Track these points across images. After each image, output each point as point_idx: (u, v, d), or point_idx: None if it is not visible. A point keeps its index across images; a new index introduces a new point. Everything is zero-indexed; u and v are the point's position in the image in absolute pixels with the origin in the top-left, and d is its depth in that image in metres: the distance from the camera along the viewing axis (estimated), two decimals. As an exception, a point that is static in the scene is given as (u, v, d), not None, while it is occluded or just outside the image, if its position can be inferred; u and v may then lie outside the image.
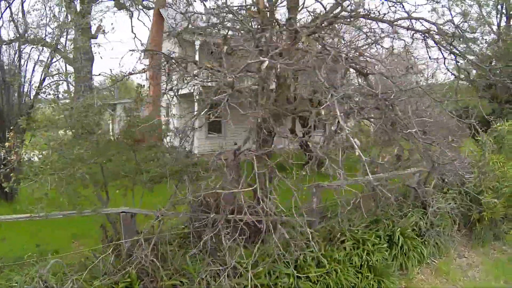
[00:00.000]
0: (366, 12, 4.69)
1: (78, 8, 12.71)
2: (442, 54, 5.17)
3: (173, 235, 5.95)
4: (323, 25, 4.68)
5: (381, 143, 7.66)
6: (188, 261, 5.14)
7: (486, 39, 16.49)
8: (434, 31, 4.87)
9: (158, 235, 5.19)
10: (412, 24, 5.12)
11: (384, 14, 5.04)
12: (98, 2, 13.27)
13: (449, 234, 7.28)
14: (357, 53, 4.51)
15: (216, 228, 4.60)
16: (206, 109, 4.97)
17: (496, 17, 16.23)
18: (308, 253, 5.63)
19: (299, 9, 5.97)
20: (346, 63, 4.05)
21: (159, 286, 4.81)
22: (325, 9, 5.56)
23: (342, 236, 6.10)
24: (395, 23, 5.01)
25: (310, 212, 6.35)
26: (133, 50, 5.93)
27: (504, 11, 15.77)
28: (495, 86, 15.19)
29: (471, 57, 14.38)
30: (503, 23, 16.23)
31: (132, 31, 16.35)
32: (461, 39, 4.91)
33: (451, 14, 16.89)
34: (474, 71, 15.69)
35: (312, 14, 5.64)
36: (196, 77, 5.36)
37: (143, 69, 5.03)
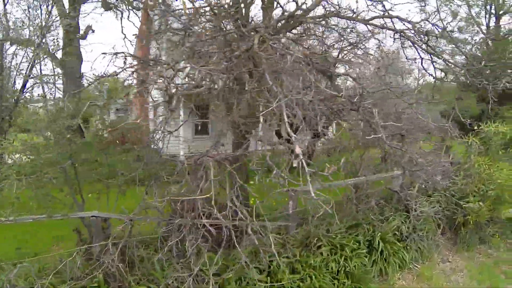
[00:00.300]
0: (337, 11, 4.54)
1: (67, 7, 12.59)
2: (419, 53, 5.02)
3: (152, 239, 5.83)
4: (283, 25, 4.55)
5: (363, 146, 7.52)
6: (156, 266, 5.02)
7: (476, 40, 16.37)
8: (409, 29, 4.72)
9: (126, 239, 5.10)
10: (386, 23, 4.97)
11: (359, 13, 4.91)
12: (87, 1, 13.17)
13: (432, 238, 7.11)
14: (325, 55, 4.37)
15: (182, 233, 4.47)
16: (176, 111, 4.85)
17: (485, 17, 16.09)
18: (283, 259, 5.50)
19: (274, 9, 5.83)
20: (307, 66, 3.91)
21: None
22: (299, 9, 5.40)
23: (319, 241, 5.94)
24: (370, 22, 4.86)
25: (288, 216, 6.23)
26: (105, 53, 5.79)
27: (493, 11, 15.61)
28: (484, 87, 15.03)
29: (459, 57, 14.33)
30: (492, 24, 16.08)
31: (122, 32, 16.16)
32: (437, 38, 4.75)
33: (439, 14, 16.67)
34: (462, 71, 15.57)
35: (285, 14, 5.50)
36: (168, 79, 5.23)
37: (115, 71, 4.87)
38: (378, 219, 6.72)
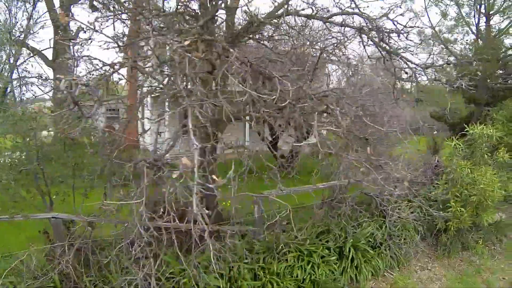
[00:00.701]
0: (295, 11, 4.38)
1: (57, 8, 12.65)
2: (381, 52, 4.80)
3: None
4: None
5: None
6: (112, 268, 4.94)
7: (467, 40, 15.96)
8: (366, 26, 4.52)
9: (82, 241, 5.04)
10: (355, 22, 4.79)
11: (317, 11, 4.73)
12: (77, 3, 13.20)
13: (410, 244, 6.85)
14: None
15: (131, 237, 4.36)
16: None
17: (474, 17, 15.62)
18: (245, 265, 5.35)
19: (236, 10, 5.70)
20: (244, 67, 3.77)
21: None
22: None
23: (286, 247, 5.77)
24: (329, 20, 4.67)
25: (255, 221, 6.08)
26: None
27: (483, 11, 15.14)
28: (476, 87, 14.64)
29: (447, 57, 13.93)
30: (482, 24, 15.64)
31: (114, 30, 16.06)
32: (399, 36, 4.52)
33: (427, 14, 16.31)
34: (454, 73, 15.24)
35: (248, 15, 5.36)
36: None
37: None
38: (352, 225, 6.51)
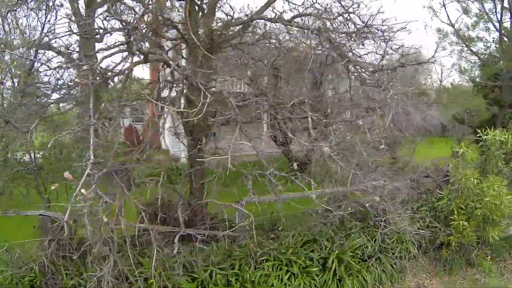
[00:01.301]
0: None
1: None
2: (341, 54, 4.49)
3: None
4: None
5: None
6: (89, 264, 5.10)
7: (493, 38, 14.50)
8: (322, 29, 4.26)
9: (60, 238, 5.25)
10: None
11: (280, 14, 4.54)
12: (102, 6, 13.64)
13: (407, 258, 6.43)
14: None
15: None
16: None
17: (495, 13, 14.06)
18: (218, 270, 5.31)
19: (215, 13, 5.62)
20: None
21: (60, 284, 5.08)
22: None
23: (266, 255, 5.63)
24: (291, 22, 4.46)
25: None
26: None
27: (507, 5, 13.60)
28: (500, 88, 13.30)
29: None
30: (505, 20, 14.10)
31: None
32: (354, 38, 4.24)
33: (446, 11, 14.99)
34: (477, 72, 13.99)
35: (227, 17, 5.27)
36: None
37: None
38: (342, 235, 6.22)
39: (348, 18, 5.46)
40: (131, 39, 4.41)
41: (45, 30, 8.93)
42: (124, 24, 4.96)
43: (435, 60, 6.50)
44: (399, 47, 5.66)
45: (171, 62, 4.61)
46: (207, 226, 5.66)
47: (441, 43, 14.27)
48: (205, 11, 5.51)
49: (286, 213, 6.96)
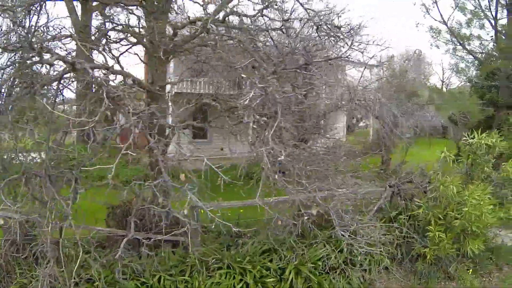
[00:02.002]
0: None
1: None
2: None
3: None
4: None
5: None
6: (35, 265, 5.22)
7: (491, 37, 13.32)
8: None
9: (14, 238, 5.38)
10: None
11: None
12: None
13: (378, 270, 6.05)
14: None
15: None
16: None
17: (490, 10, 12.84)
18: (167, 276, 5.24)
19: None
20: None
21: (14, 281, 5.26)
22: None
23: (220, 262, 5.50)
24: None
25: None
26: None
27: (503, 1, 12.37)
28: (497, 88, 12.19)
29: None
30: (503, 17, 12.86)
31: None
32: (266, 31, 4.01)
33: (438, 8, 13.92)
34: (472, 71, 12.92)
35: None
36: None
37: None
38: (305, 244, 5.95)
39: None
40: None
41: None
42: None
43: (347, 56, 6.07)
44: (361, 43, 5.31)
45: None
46: (160, 231, 5.58)
47: (435, 42, 13.44)
48: (157, 15, 5.42)
49: (254, 219, 6.81)
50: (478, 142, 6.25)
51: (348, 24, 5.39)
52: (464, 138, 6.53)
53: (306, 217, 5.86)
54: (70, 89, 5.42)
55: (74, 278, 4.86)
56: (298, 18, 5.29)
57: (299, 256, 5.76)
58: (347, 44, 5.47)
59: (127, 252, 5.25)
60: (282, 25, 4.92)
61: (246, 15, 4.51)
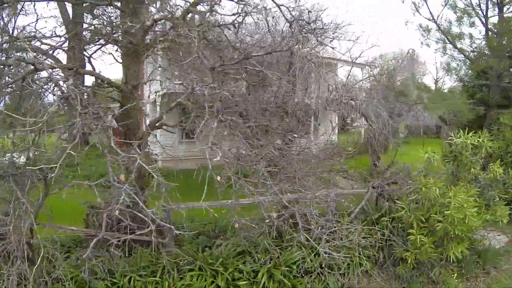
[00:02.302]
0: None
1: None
2: None
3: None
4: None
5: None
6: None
7: (483, 35, 12.85)
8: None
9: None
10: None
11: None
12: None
13: (358, 274, 5.87)
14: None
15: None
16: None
17: (481, 8, 12.32)
18: (137, 277, 5.20)
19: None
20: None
21: None
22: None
23: (192, 264, 5.43)
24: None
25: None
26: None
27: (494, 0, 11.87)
28: (488, 87, 11.72)
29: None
30: (491, 15, 12.36)
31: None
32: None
33: (427, 5, 13.47)
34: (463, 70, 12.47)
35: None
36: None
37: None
38: (280, 247, 5.83)
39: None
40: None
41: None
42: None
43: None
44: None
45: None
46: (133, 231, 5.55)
47: (425, 41, 13.07)
48: (126, 15, 5.39)
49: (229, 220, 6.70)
50: (463, 142, 6.00)
51: (322, 21, 5.25)
52: (450, 137, 6.28)
53: (280, 219, 5.78)
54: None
55: (44, 277, 4.93)
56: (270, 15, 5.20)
57: (274, 259, 5.65)
58: (318, 40, 5.32)
59: (97, 252, 5.28)
60: (234, 20, 4.81)
61: (199, 12, 4.42)
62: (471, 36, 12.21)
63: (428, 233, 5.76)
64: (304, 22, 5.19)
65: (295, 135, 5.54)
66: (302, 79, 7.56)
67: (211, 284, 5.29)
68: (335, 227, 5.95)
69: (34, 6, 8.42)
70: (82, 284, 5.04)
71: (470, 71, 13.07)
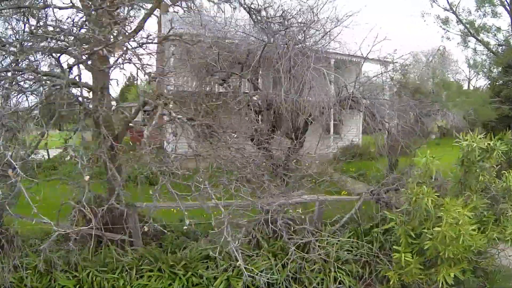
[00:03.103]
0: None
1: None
2: None
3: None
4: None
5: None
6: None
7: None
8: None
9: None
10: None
11: None
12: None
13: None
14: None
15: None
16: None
17: None
18: (96, 273, 5.23)
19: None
20: None
21: None
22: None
23: (153, 264, 5.33)
24: None
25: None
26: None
27: None
28: None
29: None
30: None
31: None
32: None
33: None
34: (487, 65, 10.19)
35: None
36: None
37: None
38: (249, 254, 5.42)
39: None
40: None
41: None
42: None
43: None
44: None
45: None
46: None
47: (446, 34, 11.17)
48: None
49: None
50: (469, 145, 4.95)
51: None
52: (456, 140, 5.24)
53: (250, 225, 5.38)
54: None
55: (9, 265, 5.19)
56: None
57: (238, 267, 5.26)
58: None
59: (58, 244, 5.42)
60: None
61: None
62: (498, 29, 10.26)
63: (418, 251, 4.89)
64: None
65: (234, 135, 5.05)
66: (299, 76, 7.01)
67: (168, 286, 5.12)
68: (314, 237, 5.39)
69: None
70: (47, 273, 5.20)
71: (493, 67, 11.11)
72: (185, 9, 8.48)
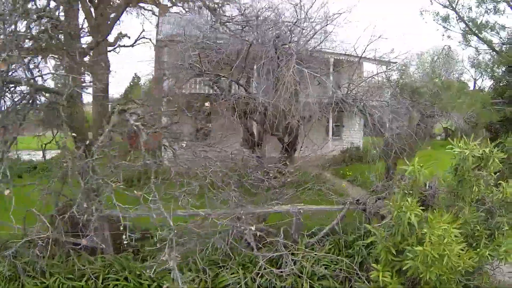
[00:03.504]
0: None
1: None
2: None
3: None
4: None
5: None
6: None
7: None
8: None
9: None
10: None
11: None
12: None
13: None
14: None
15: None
16: None
17: None
18: (63, 279, 5.13)
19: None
20: None
21: None
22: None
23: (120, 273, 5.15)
24: None
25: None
26: None
27: None
28: None
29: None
30: None
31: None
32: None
33: None
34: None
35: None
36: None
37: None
38: (219, 266, 5.12)
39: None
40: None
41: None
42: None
43: None
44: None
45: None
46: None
47: (446, 32, 10.11)
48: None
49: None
50: (462, 153, 4.33)
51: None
52: (449, 146, 4.63)
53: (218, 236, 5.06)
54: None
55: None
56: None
57: (204, 279, 4.96)
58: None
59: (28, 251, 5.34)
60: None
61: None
62: (502, 27, 9.18)
63: (399, 270, 4.36)
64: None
65: (183, 144, 4.70)
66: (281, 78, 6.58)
67: (137, 296, 4.92)
68: (287, 250, 4.99)
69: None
70: (14, 278, 5.15)
71: (496, 66, 10.01)
72: (186, 9, 8.20)
